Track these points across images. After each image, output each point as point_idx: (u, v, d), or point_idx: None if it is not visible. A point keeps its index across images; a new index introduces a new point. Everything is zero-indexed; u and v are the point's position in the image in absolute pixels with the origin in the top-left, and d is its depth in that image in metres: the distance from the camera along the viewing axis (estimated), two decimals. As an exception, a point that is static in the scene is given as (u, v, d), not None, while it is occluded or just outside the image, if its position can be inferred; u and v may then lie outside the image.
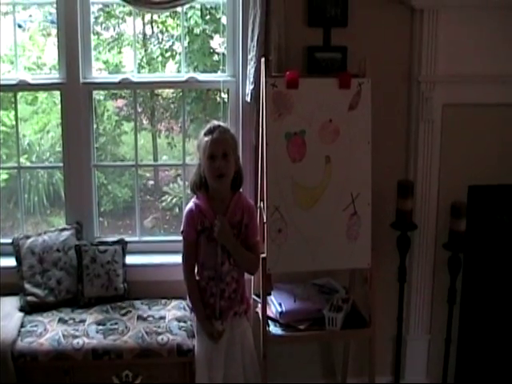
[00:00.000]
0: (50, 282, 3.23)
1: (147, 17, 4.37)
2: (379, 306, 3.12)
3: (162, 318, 3.15)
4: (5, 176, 4.23)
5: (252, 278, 3.20)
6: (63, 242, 3.31)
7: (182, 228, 2.89)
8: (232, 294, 2.88)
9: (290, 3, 3.14)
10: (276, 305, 3.07)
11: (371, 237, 3.00)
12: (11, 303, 3.20)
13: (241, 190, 2.93)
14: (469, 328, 3.53)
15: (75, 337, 2.95)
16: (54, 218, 4.66)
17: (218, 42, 4.08)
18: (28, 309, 3.17)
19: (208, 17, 4.09)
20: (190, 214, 2.85)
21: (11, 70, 3.58)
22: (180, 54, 3.95)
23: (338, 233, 2.96)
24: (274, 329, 2.98)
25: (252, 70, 3.14)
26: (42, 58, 4.41)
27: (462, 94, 3.32)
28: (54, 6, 3.29)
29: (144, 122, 4.80)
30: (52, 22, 4.05)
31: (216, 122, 2.87)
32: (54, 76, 3.42)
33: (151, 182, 4.93)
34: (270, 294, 3.06)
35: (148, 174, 4.83)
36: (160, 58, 4.43)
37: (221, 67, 3.51)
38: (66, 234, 3.34)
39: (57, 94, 3.55)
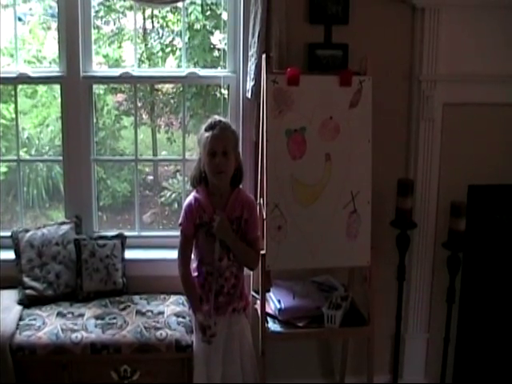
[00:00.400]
0: (48, 275, 3.23)
1: (148, 11, 4.37)
2: (378, 304, 3.13)
3: (161, 313, 3.14)
4: (4, 169, 4.23)
5: (251, 274, 3.20)
6: (62, 236, 3.31)
7: (180, 221, 2.88)
8: (231, 290, 2.88)
9: (291, 0, 3.14)
10: (275, 302, 3.07)
11: (371, 235, 3.00)
12: (10, 296, 3.20)
13: (240, 186, 2.93)
14: (467, 327, 3.54)
15: (74, 331, 2.94)
16: (52, 212, 4.66)
17: (218, 38, 4.08)
18: (27, 302, 3.16)
19: (209, 12, 4.09)
20: (189, 207, 2.84)
21: (11, 63, 3.57)
22: (180, 49, 3.95)
23: (337, 230, 2.97)
24: (272, 326, 2.99)
25: (253, 67, 3.14)
26: (42, 51, 4.40)
27: (463, 93, 3.32)
28: (55, -1, 3.29)
29: (144, 116, 4.80)
30: (52, 16, 4.04)
31: (217, 118, 2.84)
32: (54, 69, 3.42)
33: (150, 177, 4.93)
34: (269, 291, 3.07)
35: (147, 169, 4.83)
36: (160, 53, 4.43)
37: (221, 63, 3.51)
38: (65, 227, 3.34)
39: (56, 87, 3.55)
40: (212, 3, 3.92)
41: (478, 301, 3.47)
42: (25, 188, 4.43)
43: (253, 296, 3.21)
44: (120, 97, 4.79)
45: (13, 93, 3.54)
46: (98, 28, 4.34)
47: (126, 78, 3.43)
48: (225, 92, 3.49)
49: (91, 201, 3.49)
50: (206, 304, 2.85)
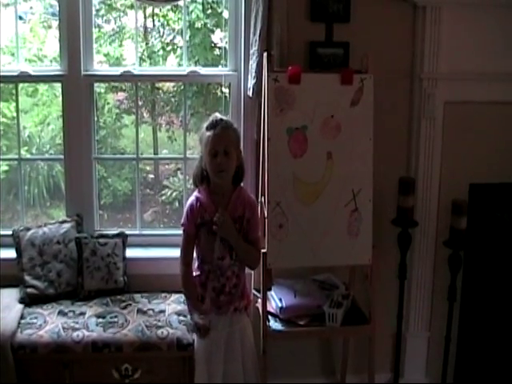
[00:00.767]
0: (50, 274, 3.23)
1: (148, 10, 4.37)
2: (379, 302, 3.13)
3: (162, 311, 3.14)
4: (5, 168, 4.23)
5: (252, 273, 3.20)
6: (63, 235, 3.31)
7: (182, 221, 2.89)
8: (232, 289, 2.87)
9: (292, -2, 3.14)
10: (276, 300, 3.07)
11: (372, 233, 3.00)
12: (11, 295, 3.20)
13: (242, 184, 2.92)
14: (469, 326, 3.54)
15: (75, 329, 2.94)
16: (53, 211, 4.67)
17: (219, 37, 4.08)
18: (28, 301, 3.16)
19: (209, 11, 4.09)
20: (191, 208, 2.84)
21: (12, 62, 3.57)
22: (181, 47, 3.95)
23: (338, 229, 2.96)
24: (274, 324, 2.99)
25: (254, 65, 3.14)
26: (43, 50, 4.40)
27: (464, 91, 3.32)
28: (56, -2, 3.29)
29: (144, 115, 4.80)
30: (53, 14, 4.05)
31: (219, 116, 2.81)
32: (55, 68, 3.42)
33: (151, 176, 4.94)
34: (270, 290, 3.07)
35: (148, 168, 4.84)
36: (161, 52, 4.43)
37: (222, 61, 3.50)
38: (66, 226, 3.34)
39: (57, 86, 3.55)
40: (213, 1, 3.92)
41: (480, 299, 3.47)
42: (26, 187, 4.44)
43: (254, 294, 3.21)
44: (121, 95, 4.80)
45: (14, 91, 3.54)
46: (99, 26, 4.35)
47: (126, 77, 3.43)
48: (226, 90, 3.50)
49: (92, 199, 3.49)
50: (205, 302, 2.85)
